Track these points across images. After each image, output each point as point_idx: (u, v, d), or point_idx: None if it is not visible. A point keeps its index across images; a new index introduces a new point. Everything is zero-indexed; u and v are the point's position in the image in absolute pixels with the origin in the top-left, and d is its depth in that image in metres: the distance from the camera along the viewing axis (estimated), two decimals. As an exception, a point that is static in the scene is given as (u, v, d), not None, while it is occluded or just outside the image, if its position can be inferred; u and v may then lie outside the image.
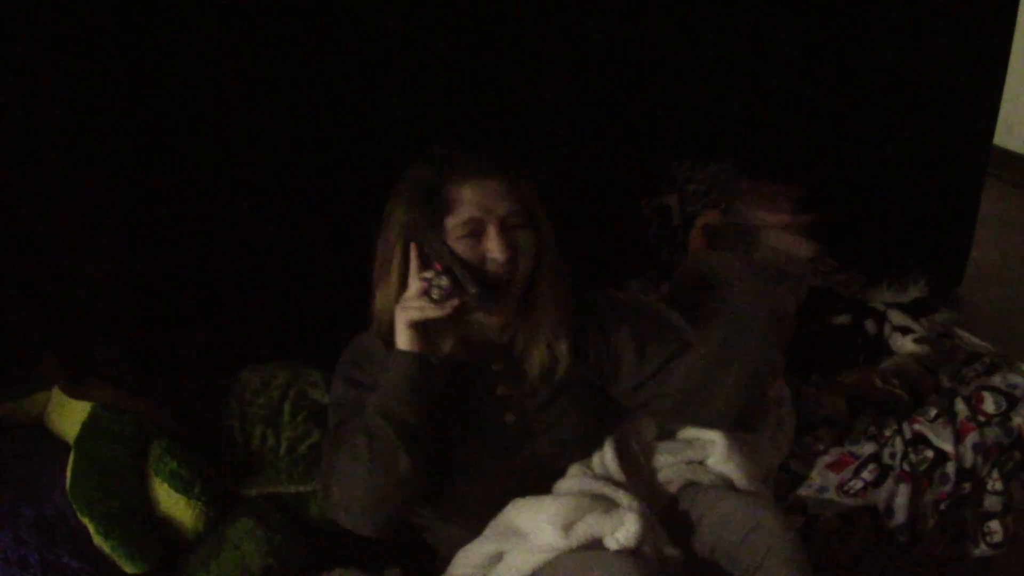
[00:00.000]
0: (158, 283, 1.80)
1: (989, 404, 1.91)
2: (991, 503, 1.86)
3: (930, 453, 1.82)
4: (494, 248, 1.39)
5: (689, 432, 1.58)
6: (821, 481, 1.77)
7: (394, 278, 1.42)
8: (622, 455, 1.50)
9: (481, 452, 1.46)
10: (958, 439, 1.84)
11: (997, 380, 1.98)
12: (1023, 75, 3.48)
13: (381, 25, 1.86)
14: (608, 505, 1.37)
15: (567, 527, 1.33)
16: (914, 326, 2.06)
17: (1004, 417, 1.89)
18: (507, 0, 2.00)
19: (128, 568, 1.42)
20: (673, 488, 1.51)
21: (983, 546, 1.88)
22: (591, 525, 1.34)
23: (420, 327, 1.37)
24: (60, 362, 1.67)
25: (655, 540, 1.36)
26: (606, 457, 1.49)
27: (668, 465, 1.54)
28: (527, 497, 1.40)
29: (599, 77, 2.19)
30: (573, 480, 1.45)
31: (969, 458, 1.83)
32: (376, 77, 1.90)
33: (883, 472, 1.78)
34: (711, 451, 1.54)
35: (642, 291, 2.13)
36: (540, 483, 1.45)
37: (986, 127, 2.94)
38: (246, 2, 1.70)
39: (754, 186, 1.55)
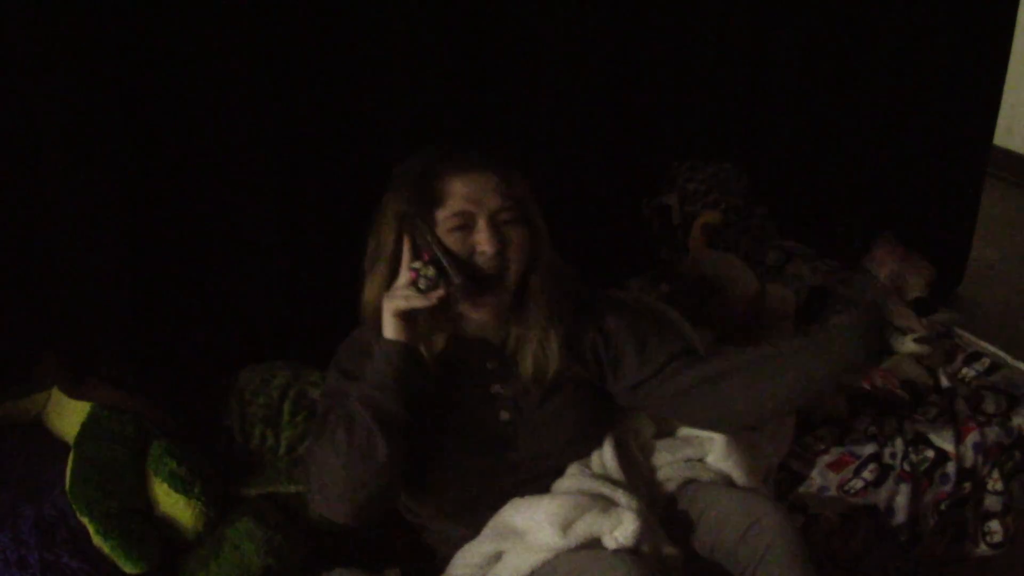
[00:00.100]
0: (158, 283, 1.80)
1: (989, 404, 1.91)
2: (991, 503, 1.86)
3: (930, 453, 1.82)
4: (483, 241, 1.40)
5: (688, 430, 1.58)
6: (821, 481, 1.77)
7: (385, 268, 1.42)
8: (621, 454, 1.50)
9: (476, 450, 1.46)
10: (958, 439, 1.84)
11: (997, 380, 1.98)
12: (1023, 75, 3.48)
13: (382, 26, 1.86)
14: (606, 504, 1.37)
15: (566, 526, 1.33)
16: (914, 326, 2.05)
17: (1004, 417, 1.89)
18: (507, 0, 2.00)
19: (128, 568, 1.41)
20: (672, 486, 1.51)
21: (983, 546, 1.88)
22: (590, 524, 1.33)
23: (407, 316, 1.37)
24: (60, 362, 1.67)
25: (654, 539, 1.35)
26: (605, 456, 1.49)
27: (667, 463, 1.54)
28: (526, 496, 1.40)
29: (599, 76, 2.19)
30: (572, 479, 1.45)
31: (969, 458, 1.83)
32: (378, 80, 1.90)
33: (883, 472, 1.78)
34: (710, 449, 1.54)
35: (642, 291, 2.13)
36: (536, 481, 1.45)
37: (986, 127, 2.95)
38: (246, 2, 1.70)
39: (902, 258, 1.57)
